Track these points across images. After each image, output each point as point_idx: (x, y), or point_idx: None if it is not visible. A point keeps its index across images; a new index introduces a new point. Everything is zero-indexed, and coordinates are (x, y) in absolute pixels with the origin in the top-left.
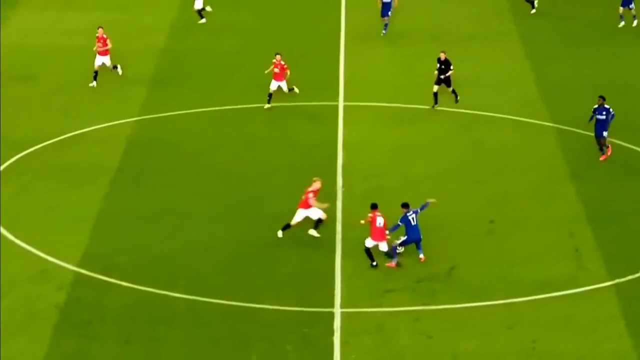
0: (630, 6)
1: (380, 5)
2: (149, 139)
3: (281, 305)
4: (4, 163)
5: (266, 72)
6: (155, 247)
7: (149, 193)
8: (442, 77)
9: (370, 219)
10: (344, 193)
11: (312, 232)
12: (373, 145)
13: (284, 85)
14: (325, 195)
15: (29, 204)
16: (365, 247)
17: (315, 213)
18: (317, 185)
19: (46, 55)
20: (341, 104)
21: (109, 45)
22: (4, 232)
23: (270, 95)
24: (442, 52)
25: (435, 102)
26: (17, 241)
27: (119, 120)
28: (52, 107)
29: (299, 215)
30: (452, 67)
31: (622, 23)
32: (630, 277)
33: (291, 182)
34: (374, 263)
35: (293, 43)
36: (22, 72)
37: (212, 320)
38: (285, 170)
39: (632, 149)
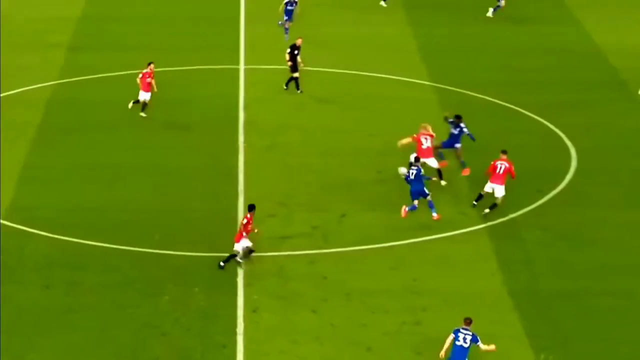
0: None
1: (282, 10)
2: (69, 100)
3: (190, 252)
4: None
5: (138, 80)
6: (74, 199)
7: (69, 150)
8: (293, 62)
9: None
10: (245, 148)
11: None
12: (272, 104)
13: (148, 97)
14: (228, 150)
15: None
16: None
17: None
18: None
19: None
20: (242, 66)
21: None
22: None
23: (143, 103)
24: (299, 38)
25: (297, 87)
26: None
27: (39, 83)
28: None
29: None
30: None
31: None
32: (500, 220)
33: (199, 138)
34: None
35: (196, 8)
36: None
37: (126, 265)
38: (193, 127)
39: (500, 104)
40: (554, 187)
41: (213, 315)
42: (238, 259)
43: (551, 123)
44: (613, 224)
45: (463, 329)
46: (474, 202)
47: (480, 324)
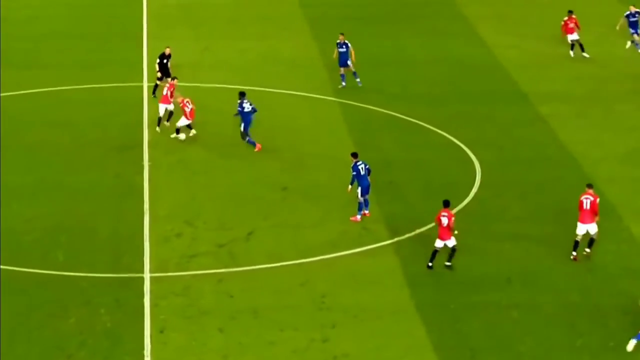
0: None
1: (336, 55)
2: None
3: (95, 273)
4: None
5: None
6: None
7: None
8: (163, 71)
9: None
10: (150, 166)
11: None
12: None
13: (171, 107)
14: (133, 169)
15: None
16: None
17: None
18: None
19: None
20: (145, 84)
21: None
22: None
23: (169, 113)
24: (167, 47)
25: (154, 93)
26: None
27: None
28: None
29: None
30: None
31: None
32: (407, 235)
33: (103, 157)
34: (430, 264)
35: (99, 26)
36: None
37: (31, 288)
38: (96, 146)
39: (407, 120)
40: (460, 201)
41: (120, 336)
42: (447, 262)
43: (454, 137)
44: (519, 237)
45: None
46: (573, 253)
47: (389, 338)
